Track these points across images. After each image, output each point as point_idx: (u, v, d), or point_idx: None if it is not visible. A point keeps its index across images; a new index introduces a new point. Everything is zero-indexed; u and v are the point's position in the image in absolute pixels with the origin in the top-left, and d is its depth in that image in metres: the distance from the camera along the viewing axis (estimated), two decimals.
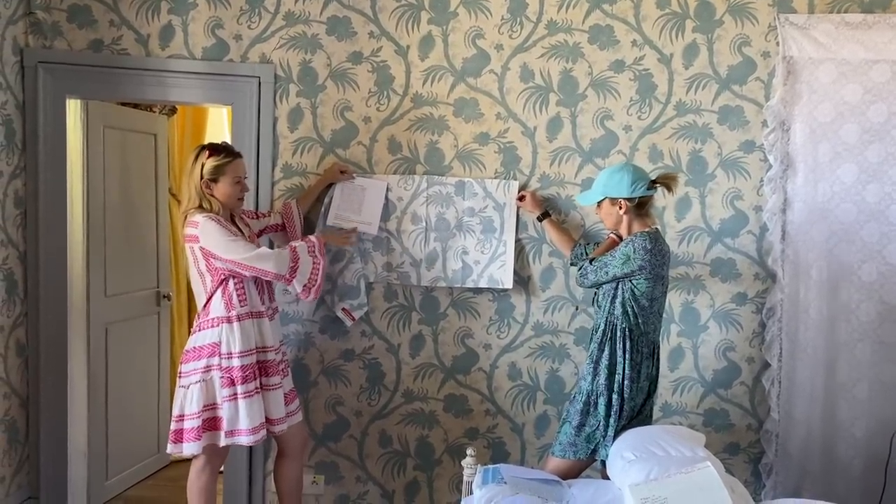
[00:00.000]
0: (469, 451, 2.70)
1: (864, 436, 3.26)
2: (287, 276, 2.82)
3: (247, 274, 2.80)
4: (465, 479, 2.67)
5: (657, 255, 2.69)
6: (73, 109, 3.50)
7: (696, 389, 3.40)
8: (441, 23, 3.35)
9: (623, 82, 3.32)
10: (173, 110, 4.38)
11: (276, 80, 3.38)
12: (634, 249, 2.67)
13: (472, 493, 2.54)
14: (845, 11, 3.21)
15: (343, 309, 3.35)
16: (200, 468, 2.90)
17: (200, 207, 2.85)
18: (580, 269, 2.88)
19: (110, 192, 3.74)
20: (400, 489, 3.51)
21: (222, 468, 3.19)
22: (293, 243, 2.91)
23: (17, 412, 3.42)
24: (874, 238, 3.23)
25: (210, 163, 2.84)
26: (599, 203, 2.82)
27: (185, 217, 2.86)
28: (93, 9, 3.39)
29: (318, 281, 2.89)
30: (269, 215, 3.22)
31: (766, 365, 3.33)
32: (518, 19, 3.33)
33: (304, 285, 2.87)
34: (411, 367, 3.46)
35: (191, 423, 2.79)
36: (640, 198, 2.74)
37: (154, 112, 4.19)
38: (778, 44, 3.24)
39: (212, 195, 2.85)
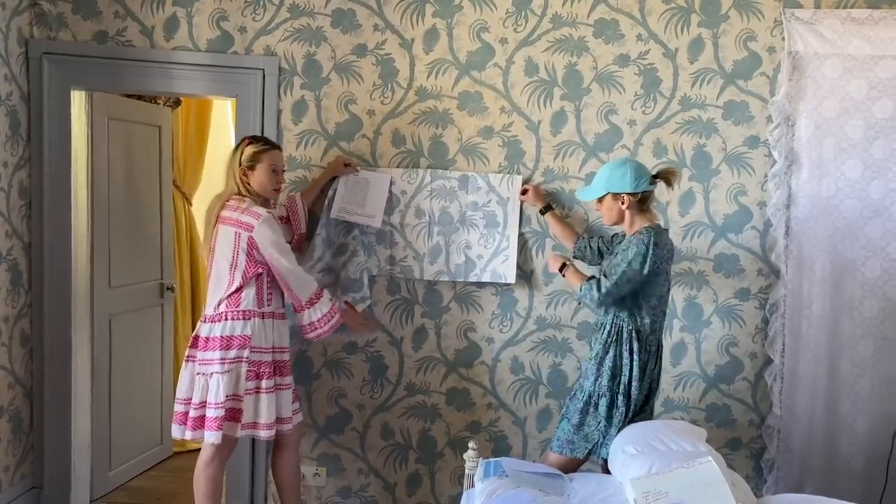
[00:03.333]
0: (471, 445, 2.71)
1: (865, 431, 3.26)
2: (305, 304, 2.92)
3: (278, 278, 2.88)
4: (466, 472, 2.68)
5: (665, 250, 2.70)
6: (78, 101, 3.50)
7: (698, 385, 3.40)
8: (446, 16, 3.34)
9: (628, 77, 3.32)
10: (177, 102, 4.38)
11: (281, 72, 3.38)
12: (647, 247, 2.65)
13: (473, 486, 2.55)
14: (851, 7, 3.20)
15: (346, 302, 3.35)
16: (209, 459, 2.91)
17: (240, 195, 2.90)
18: (589, 290, 2.71)
19: (114, 183, 3.74)
20: (402, 482, 3.52)
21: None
22: (326, 305, 2.98)
23: (21, 402, 3.43)
24: (878, 234, 3.22)
25: (249, 150, 2.93)
26: (600, 199, 2.81)
27: (225, 202, 2.89)
28: (97, 0, 3.38)
29: (324, 329, 2.96)
30: (275, 208, 3.23)
31: (769, 360, 3.33)
32: (523, 13, 3.32)
33: (312, 323, 2.95)
34: (414, 360, 3.47)
35: (215, 413, 2.81)
36: (642, 192, 2.74)
37: (158, 104, 4.20)
38: (783, 39, 3.24)
39: (248, 183, 2.91)
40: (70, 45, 3.40)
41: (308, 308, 2.93)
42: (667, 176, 2.78)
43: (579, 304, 3.10)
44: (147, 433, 4.10)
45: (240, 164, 2.91)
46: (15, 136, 3.33)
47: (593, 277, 2.75)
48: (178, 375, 2.96)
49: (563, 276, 2.90)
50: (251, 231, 2.82)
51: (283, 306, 3.03)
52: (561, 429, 2.84)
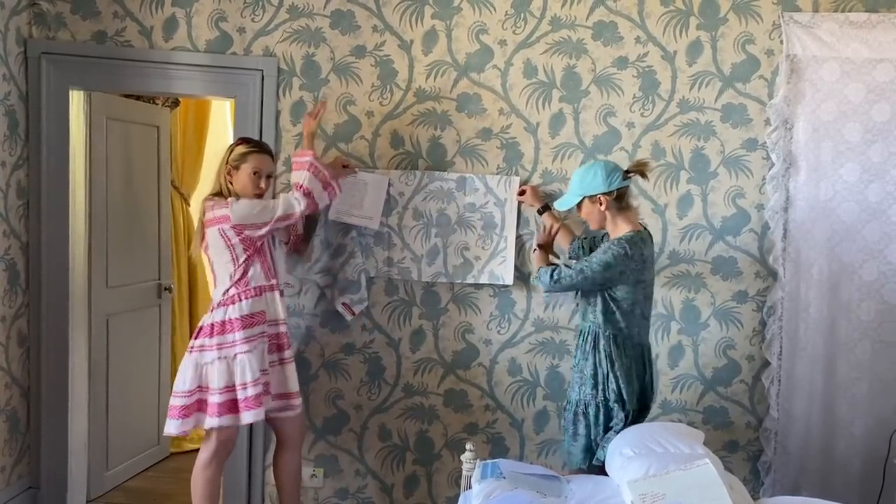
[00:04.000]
0: (468, 446, 2.70)
1: (863, 434, 3.27)
2: (306, 207, 2.95)
3: (282, 226, 2.96)
4: (464, 473, 2.68)
5: (637, 260, 2.68)
6: (77, 101, 3.50)
7: (695, 387, 3.40)
8: (445, 17, 3.34)
9: (626, 79, 3.32)
10: (176, 103, 4.38)
11: (280, 73, 3.38)
12: (614, 256, 2.64)
13: (471, 487, 2.55)
14: (850, 10, 3.21)
15: (343, 303, 3.35)
16: (207, 460, 2.90)
17: (219, 194, 2.93)
18: (555, 271, 2.76)
19: (112, 183, 3.74)
20: (399, 483, 3.52)
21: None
22: (296, 180, 2.99)
23: (18, 402, 3.43)
24: (875, 237, 3.23)
25: (238, 150, 2.95)
26: (579, 205, 2.79)
27: (206, 203, 2.93)
28: (97, 0, 3.38)
29: (335, 187, 3.05)
30: None
31: (766, 363, 3.33)
32: (522, 15, 3.32)
33: (327, 198, 3.04)
34: (411, 361, 3.47)
35: (254, 391, 2.83)
36: (618, 190, 2.73)
37: (157, 104, 4.20)
38: (782, 42, 3.24)
39: (231, 183, 2.92)
40: (69, 44, 3.40)
41: (316, 203, 2.99)
42: (640, 168, 2.77)
43: (537, 276, 2.94)
44: (144, 433, 4.10)
45: (227, 163, 2.93)
46: (13, 135, 3.32)
47: (555, 266, 2.82)
48: (175, 375, 2.95)
49: (540, 214, 3.14)
50: (229, 221, 2.84)
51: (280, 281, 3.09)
52: (567, 442, 2.84)
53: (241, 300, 2.88)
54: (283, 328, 3.01)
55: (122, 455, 3.92)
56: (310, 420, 3.48)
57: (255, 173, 2.92)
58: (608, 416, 2.73)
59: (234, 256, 2.89)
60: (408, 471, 3.52)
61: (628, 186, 2.79)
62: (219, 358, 2.84)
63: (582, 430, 2.76)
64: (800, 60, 3.23)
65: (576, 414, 2.78)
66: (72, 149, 3.47)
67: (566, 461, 2.86)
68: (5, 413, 3.35)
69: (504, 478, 2.45)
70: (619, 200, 2.76)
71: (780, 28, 3.24)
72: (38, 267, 3.44)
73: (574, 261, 2.90)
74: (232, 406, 2.83)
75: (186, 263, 4.58)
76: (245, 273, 2.90)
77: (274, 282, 2.97)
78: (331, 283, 3.37)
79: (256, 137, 3.24)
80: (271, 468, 3.28)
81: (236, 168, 2.92)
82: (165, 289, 4.20)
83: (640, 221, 2.93)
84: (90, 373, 3.65)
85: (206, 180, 4.56)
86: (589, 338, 2.76)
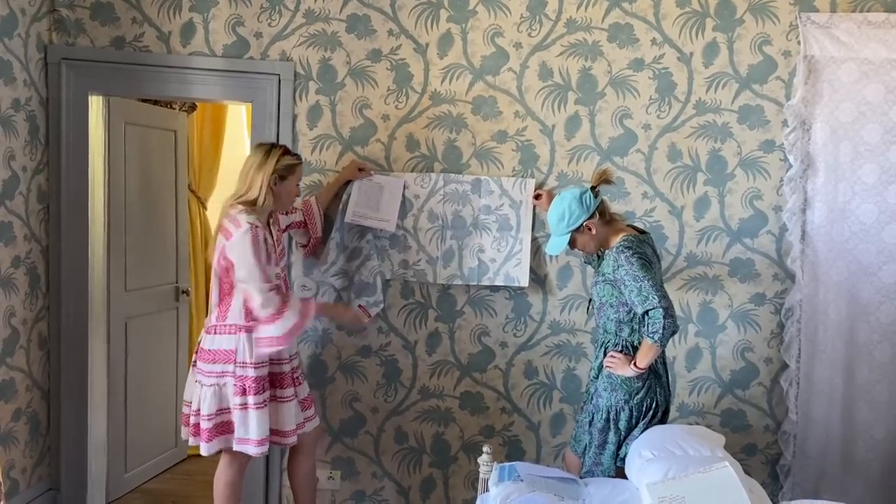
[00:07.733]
0: (486, 449, 2.70)
1: (883, 438, 3.24)
2: (265, 319, 2.76)
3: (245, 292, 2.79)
4: (481, 476, 2.68)
5: (642, 252, 2.68)
6: (96, 106, 3.53)
7: (713, 390, 3.38)
8: (460, 21, 3.35)
9: (642, 81, 3.31)
10: (193, 107, 4.41)
11: (296, 77, 3.40)
12: (630, 256, 2.64)
13: (488, 490, 2.55)
14: (868, 10, 3.19)
15: (359, 306, 3.36)
16: (228, 463, 2.92)
17: (254, 202, 2.79)
18: (655, 333, 2.56)
19: (131, 187, 3.77)
20: (416, 486, 3.52)
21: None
22: (295, 298, 2.80)
23: (38, 404, 3.46)
24: (895, 239, 3.20)
25: (285, 160, 2.85)
26: (571, 242, 2.78)
27: (231, 205, 2.81)
28: (115, 6, 3.42)
29: (288, 340, 2.81)
30: (294, 212, 3.24)
31: (785, 366, 3.31)
32: (537, 17, 3.33)
33: (280, 336, 2.78)
34: (427, 364, 3.47)
35: (205, 424, 2.82)
36: (597, 208, 2.73)
37: (174, 109, 4.23)
38: (799, 43, 3.22)
39: (273, 190, 2.83)
40: (88, 50, 3.43)
41: (272, 322, 2.76)
42: (603, 179, 2.77)
43: (659, 342, 2.60)
44: (162, 436, 4.13)
45: (274, 171, 2.81)
46: (34, 140, 3.36)
47: (652, 335, 2.59)
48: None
49: (643, 366, 2.66)
50: (228, 239, 2.76)
51: None
52: (587, 456, 2.83)
53: (214, 333, 2.82)
54: (257, 372, 2.80)
55: (141, 457, 3.95)
56: (327, 422, 3.49)
57: (297, 184, 2.93)
58: (638, 420, 2.72)
59: (220, 274, 2.84)
60: (424, 473, 3.52)
61: (603, 199, 2.79)
62: (195, 381, 2.87)
63: (612, 437, 2.75)
64: (817, 61, 3.21)
65: (607, 421, 2.76)
66: (91, 153, 3.51)
67: (589, 472, 2.80)
68: (26, 415, 3.38)
69: (522, 480, 2.45)
70: (603, 216, 2.76)
71: (797, 29, 3.22)
72: (57, 270, 3.47)
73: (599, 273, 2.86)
74: (197, 428, 2.86)
75: (203, 267, 4.60)
76: (228, 302, 2.82)
77: (252, 323, 2.78)
78: (347, 285, 3.39)
79: (274, 141, 3.20)
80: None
81: (283, 178, 2.84)
82: (183, 292, 4.22)
83: (632, 224, 2.95)
84: (109, 375, 3.68)
85: (223, 184, 4.59)
86: (620, 346, 2.75)
